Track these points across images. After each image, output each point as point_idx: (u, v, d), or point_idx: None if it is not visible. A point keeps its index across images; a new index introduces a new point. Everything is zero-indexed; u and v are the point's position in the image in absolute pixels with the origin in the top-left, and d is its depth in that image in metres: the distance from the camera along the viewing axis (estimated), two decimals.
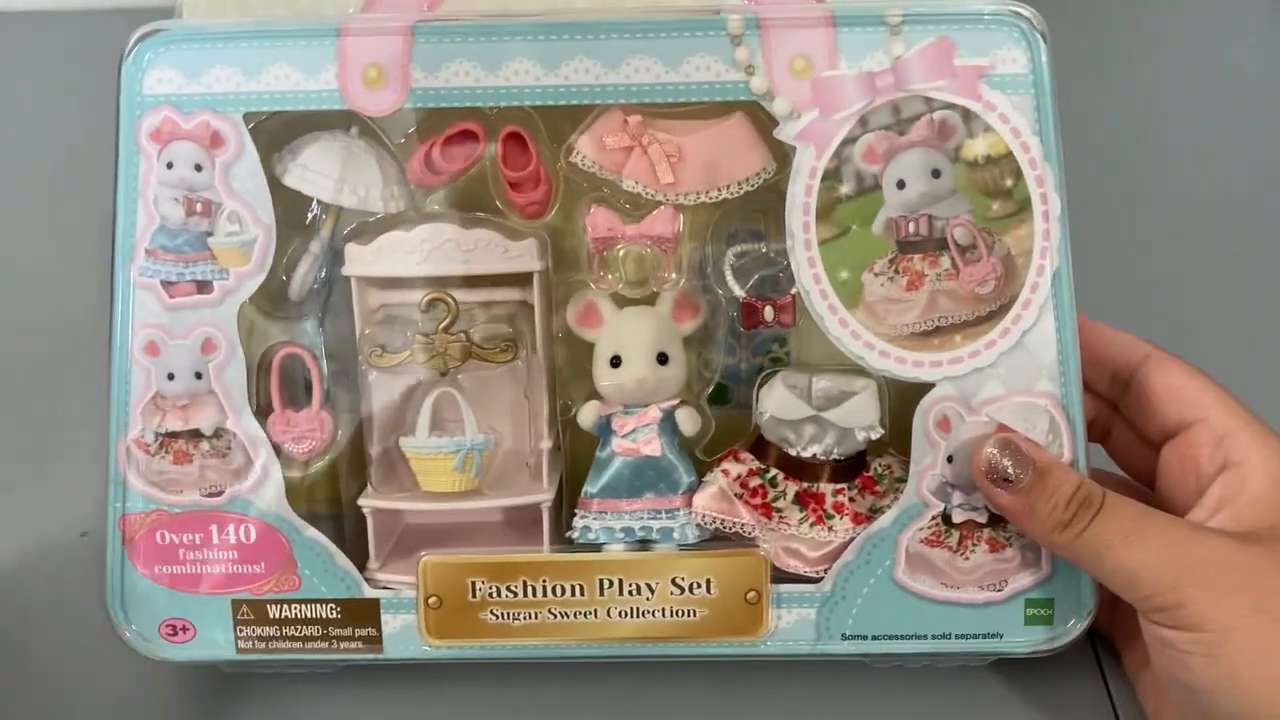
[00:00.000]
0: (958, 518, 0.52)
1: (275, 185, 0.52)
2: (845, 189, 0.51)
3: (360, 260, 0.53)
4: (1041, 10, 0.50)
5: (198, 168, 0.51)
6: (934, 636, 0.53)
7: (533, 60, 0.50)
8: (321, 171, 0.52)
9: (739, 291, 0.53)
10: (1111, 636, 0.56)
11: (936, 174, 0.51)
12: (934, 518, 0.52)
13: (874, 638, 0.53)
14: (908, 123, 0.51)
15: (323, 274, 0.54)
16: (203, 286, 0.52)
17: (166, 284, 0.52)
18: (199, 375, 0.52)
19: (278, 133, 0.53)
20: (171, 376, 0.52)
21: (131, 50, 0.51)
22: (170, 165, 0.51)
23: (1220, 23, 0.88)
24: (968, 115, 0.50)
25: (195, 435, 0.53)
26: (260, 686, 0.55)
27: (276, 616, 0.54)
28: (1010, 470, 0.49)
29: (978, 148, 0.51)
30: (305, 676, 0.55)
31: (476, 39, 0.50)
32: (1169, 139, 0.79)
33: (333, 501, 0.56)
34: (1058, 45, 0.50)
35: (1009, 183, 0.51)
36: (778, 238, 0.52)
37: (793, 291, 0.52)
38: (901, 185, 0.51)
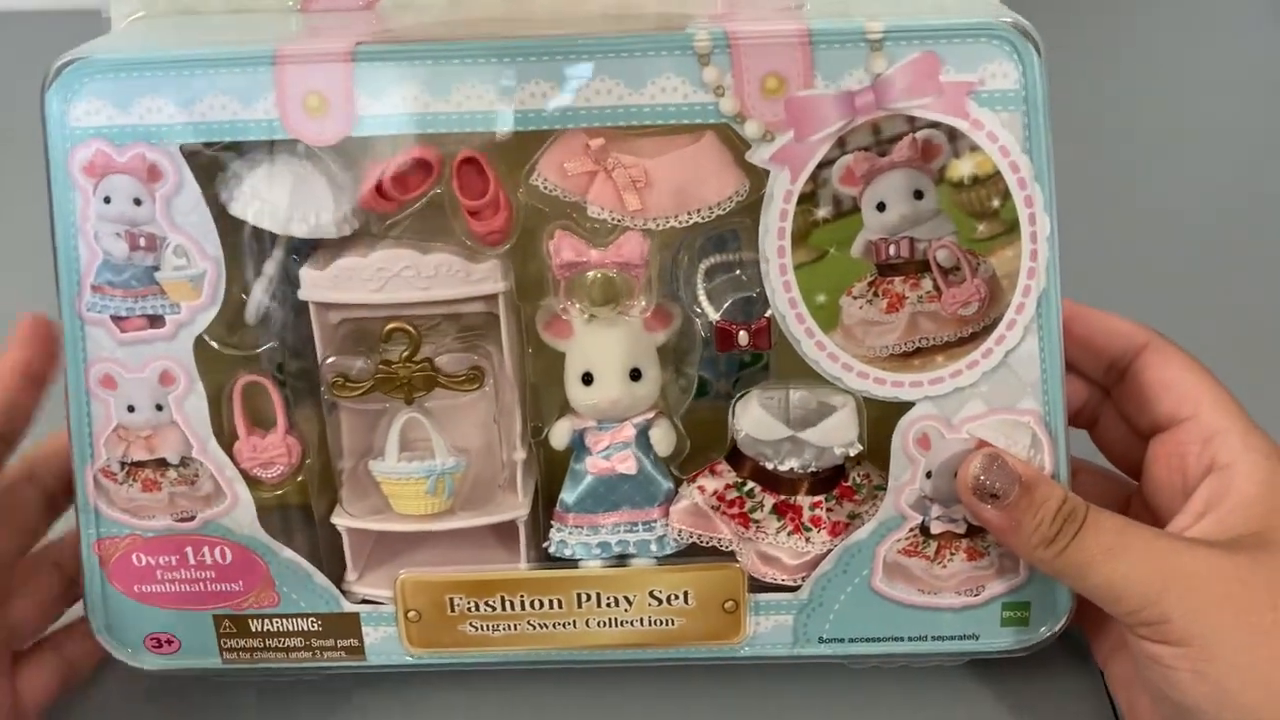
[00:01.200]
0: (936, 529, 0.52)
1: (222, 209, 0.49)
2: (822, 213, 0.48)
3: (316, 287, 0.51)
4: (1032, 21, 0.46)
5: (137, 202, 0.48)
6: (911, 639, 0.54)
7: (485, 85, 0.47)
8: (269, 199, 0.49)
9: (713, 315, 0.51)
10: (1080, 626, 0.56)
11: (919, 195, 0.48)
12: (912, 529, 0.52)
13: (851, 640, 0.54)
14: (889, 143, 0.47)
15: (277, 294, 0.52)
16: (154, 321, 0.50)
17: (117, 319, 0.50)
18: (160, 407, 0.51)
19: (221, 152, 0.49)
20: (132, 409, 0.51)
21: (54, 80, 0.47)
22: (108, 200, 0.48)
23: (1219, 30, 0.82)
24: (953, 134, 0.47)
25: (162, 464, 0.52)
26: (245, 697, 0.56)
27: (259, 630, 0.54)
28: (997, 486, 0.48)
29: (963, 168, 0.47)
30: (294, 682, 0.56)
31: (424, 62, 0.47)
32: (1167, 150, 0.74)
33: (306, 510, 0.55)
34: (1050, 57, 0.46)
35: (996, 203, 0.48)
36: (750, 248, 0.50)
37: (768, 314, 0.50)
38: (882, 208, 0.48)
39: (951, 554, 0.52)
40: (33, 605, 0.53)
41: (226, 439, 0.52)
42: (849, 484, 0.53)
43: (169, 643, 0.54)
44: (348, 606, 0.54)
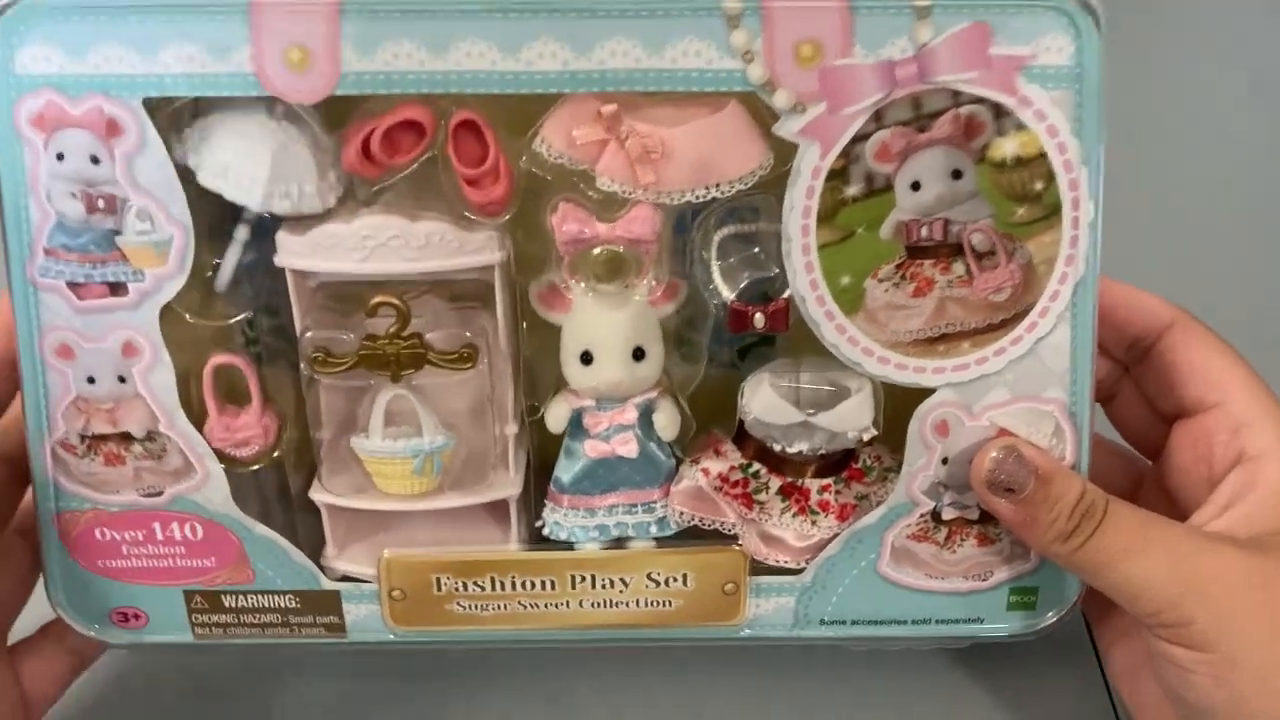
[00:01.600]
0: (948, 515, 0.50)
1: (188, 170, 0.45)
2: (852, 190, 0.44)
3: (294, 253, 0.46)
4: None
5: (94, 159, 0.43)
6: (914, 622, 0.52)
7: (488, 41, 0.42)
8: (246, 172, 0.44)
9: (728, 295, 0.47)
10: (1082, 611, 0.54)
11: (958, 175, 0.44)
12: (923, 515, 0.50)
13: (853, 623, 0.52)
14: (929, 118, 0.43)
15: (249, 259, 0.47)
16: (116, 289, 0.45)
17: (74, 285, 0.45)
18: (122, 379, 0.47)
19: (185, 107, 0.44)
20: (92, 380, 0.47)
21: None
22: (61, 157, 0.43)
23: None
24: (999, 111, 0.43)
25: (126, 438, 0.48)
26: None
27: (232, 606, 0.51)
28: (1012, 479, 0.46)
29: (1006, 148, 0.44)
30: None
31: (419, 16, 0.42)
32: (1223, 135, 0.70)
33: (282, 481, 0.52)
34: (1111, 32, 0.42)
35: (1039, 186, 0.44)
36: (768, 220, 0.46)
37: (786, 295, 0.46)
38: (917, 187, 0.44)
39: (962, 539, 0.50)
40: (11, 579, 0.50)
41: (196, 415, 0.48)
42: (859, 466, 0.51)
43: (136, 617, 0.51)
44: (327, 584, 0.51)
